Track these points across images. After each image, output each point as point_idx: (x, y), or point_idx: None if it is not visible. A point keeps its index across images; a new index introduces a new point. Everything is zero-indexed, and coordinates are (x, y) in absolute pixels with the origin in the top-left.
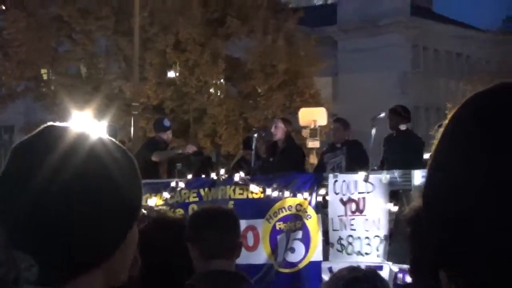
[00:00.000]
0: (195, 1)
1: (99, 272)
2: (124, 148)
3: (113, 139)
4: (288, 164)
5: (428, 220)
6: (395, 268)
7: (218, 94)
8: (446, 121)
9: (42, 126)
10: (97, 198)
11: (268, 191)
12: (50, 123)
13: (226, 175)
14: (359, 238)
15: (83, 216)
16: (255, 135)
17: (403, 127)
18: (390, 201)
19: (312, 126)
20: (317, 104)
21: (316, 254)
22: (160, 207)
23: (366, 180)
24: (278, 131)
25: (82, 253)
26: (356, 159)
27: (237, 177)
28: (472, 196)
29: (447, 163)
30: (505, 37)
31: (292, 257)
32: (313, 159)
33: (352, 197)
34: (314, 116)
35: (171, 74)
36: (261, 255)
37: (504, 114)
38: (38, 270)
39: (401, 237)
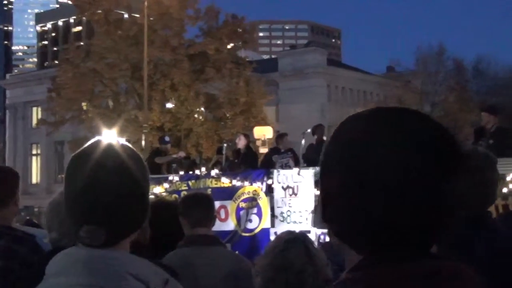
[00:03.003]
0: (184, 58)
1: (132, 235)
2: (137, 152)
3: (131, 146)
4: (247, 164)
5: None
6: (319, 232)
7: (200, 118)
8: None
9: (92, 140)
10: (128, 184)
11: (234, 182)
12: (97, 137)
13: (206, 172)
14: (294, 212)
15: (127, 194)
16: (225, 145)
17: (324, 137)
18: (315, 187)
19: (263, 139)
20: (265, 124)
21: (266, 223)
22: (162, 193)
23: (298, 173)
24: (241, 142)
25: (131, 224)
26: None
27: (213, 173)
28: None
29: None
30: (386, 79)
31: (250, 225)
32: None
33: (290, 185)
34: (263, 132)
35: (169, 105)
36: (229, 225)
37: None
38: (104, 237)
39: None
